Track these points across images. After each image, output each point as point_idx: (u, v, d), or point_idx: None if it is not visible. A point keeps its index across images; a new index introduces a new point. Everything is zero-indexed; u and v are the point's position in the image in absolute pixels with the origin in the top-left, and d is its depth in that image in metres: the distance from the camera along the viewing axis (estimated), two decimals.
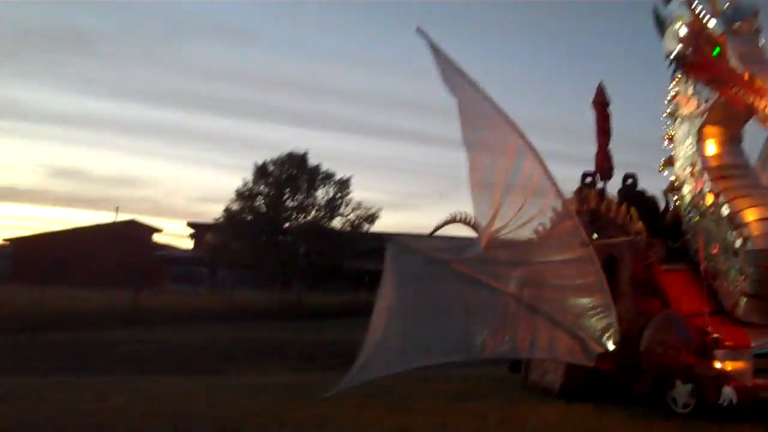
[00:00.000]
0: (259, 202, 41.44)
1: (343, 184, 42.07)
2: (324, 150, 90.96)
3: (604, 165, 10.33)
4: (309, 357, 15.73)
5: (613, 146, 10.39)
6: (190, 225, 51.95)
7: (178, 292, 33.94)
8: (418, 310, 9.00)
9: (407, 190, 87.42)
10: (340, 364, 12.58)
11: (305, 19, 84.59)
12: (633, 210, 9.10)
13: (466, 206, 10.77)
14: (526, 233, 9.12)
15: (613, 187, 10.47)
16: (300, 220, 41.29)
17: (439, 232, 13.66)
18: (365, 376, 8.82)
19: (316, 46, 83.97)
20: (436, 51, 9.00)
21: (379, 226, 41.99)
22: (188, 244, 54.29)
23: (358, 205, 42.19)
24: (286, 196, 41.21)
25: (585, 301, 8.46)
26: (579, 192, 10.34)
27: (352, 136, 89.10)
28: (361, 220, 41.94)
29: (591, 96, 10.52)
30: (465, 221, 12.70)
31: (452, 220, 13.25)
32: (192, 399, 9.01)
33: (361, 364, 8.89)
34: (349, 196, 42.22)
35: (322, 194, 41.93)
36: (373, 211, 42.42)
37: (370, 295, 9.83)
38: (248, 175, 41.68)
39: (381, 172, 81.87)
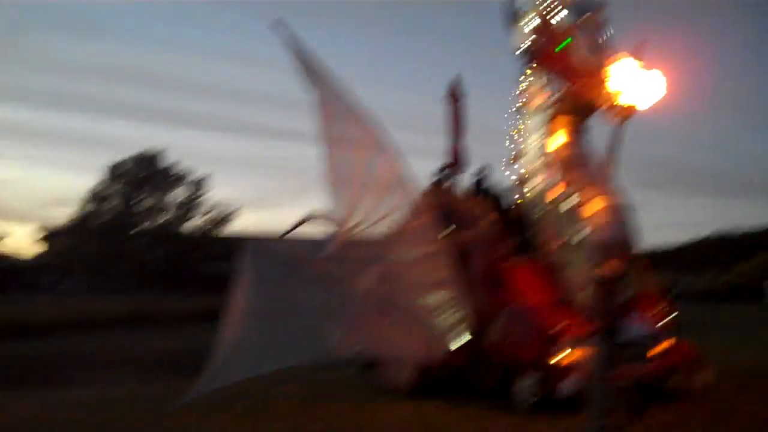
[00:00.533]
0: (111, 204, 39.77)
1: (199, 184, 41.02)
2: (182, 147, 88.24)
3: (457, 158, 10.40)
4: (162, 365, 14.94)
5: (468, 139, 10.48)
6: (41, 229, 49.13)
7: (22, 302, 31.78)
8: (274, 312, 8.69)
9: (266, 188, 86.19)
10: (195, 371, 12.08)
11: (161, 12, 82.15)
12: (485, 203, 9.20)
13: (323, 203, 10.55)
14: (382, 229, 9.01)
15: (467, 180, 10.59)
16: (154, 222, 39.90)
17: (296, 231, 13.40)
18: (220, 381, 8.41)
19: (173, 40, 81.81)
20: (291, 44, 8.75)
21: (237, 226, 41.20)
22: (38, 250, 51.38)
23: (215, 206, 41.27)
24: (139, 198, 39.75)
25: (438, 296, 8.42)
26: (434, 186, 10.36)
27: (210, 133, 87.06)
28: (217, 221, 41.04)
29: (446, 89, 10.59)
30: (322, 218, 12.49)
31: (309, 218, 13.00)
32: (19, 415, 8.36)
33: (213, 370, 8.48)
34: (206, 196, 41.24)
35: (176, 195, 40.73)
36: (230, 210, 41.65)
37: (225, 299, 9.45)
38: (101, 176, 39.98)
39: (241, 169, 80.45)
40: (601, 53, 7.44)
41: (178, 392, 9.01)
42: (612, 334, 7.56)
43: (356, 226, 8.80)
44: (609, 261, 7.71)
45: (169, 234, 38.72)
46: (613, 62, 7.34)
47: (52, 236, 45.19)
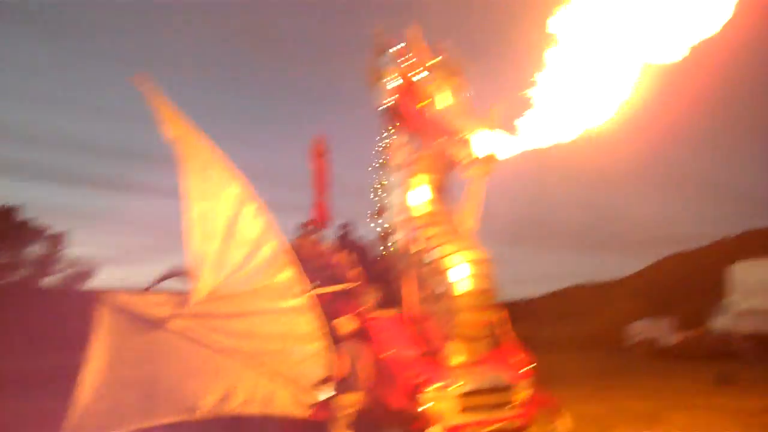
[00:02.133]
0: None
1: (57, 239, 39.02)
2: (39, 203, 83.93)
3: (321, 214, 10.50)
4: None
5: (332, 195, 10.62)
6: None
7: None
8: (133, 370, 8.34)
9: (128, 243, 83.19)
10: None
11: (14, 63, 78.48)
12: (350, 257, 9.29)
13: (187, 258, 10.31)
14: (246, 283, 8.90)
15: (330, 235, 10.68)
16: (9, 278, 37.50)
17: (159, 286, 13.01)
18: None
19: (29, 91, 78.05)
20: (153, 95, 8.62)
21: (96, 283, 39.32)
22: None
23: (75, 262, 39.33)
24: None
25: (304, 350, 8.38)
26: (299, 241, 10.38)
27: (68, 188, 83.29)
28: (75, 277, 39.08)
29: (310, 146, 10.71)
30: (184, 274, 12.19)
31: (171, 274, 12.65)
32: None
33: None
34: (64, 252, 39.22)
35: (32, 251, 38.52)
36: (90, 267, 39.78)
37: (82, 359, 9.00)
38: None
39: (100, 225, 77.08)
40: (459, 113, 7.78)
41: None
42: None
43: (219, 281, 8.66)
44: (471, 313, 8.01)
45: (26, 290, 36.45)
46: (471, 122, 7.71)
47: None
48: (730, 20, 6.51)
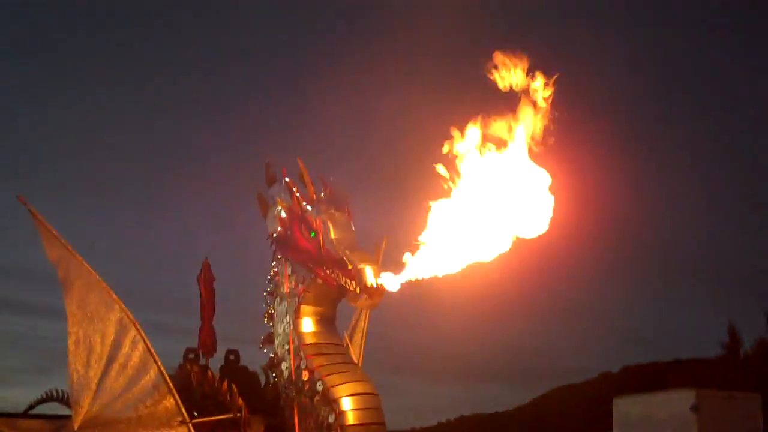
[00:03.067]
0: None
1: None
2: None
3: (207, 341, 10.36)
4: None
5: (218, 321, 10.51)
6: None
7: None
8: None
9: (2, 364, 78.29)
10: None
11: None
12: (234, 386, 9.14)
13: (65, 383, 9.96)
14: (126, 411, 8.64)
15: (216, 363, 10.50)
16: None
17: (35, 410, 12.45)
18: None
19: None
20: (36, 218, 8.58)
21: None
22: None
23: None
24: None
25: None
26: (181, 368, 10.16)
27: None
28: None
29: (197, 270, 10.65)
30: (61, 399, 11.73)
31: (48, 399, 12.16)
32: None
33: None
34: None
35: None
36: None
37: None
38: None
39: None
40: (345, 246, 7.98)
41: None
42: None
43: (99, 407, 8.43)
44: None
45: None
46: (359, 254, 7.92)
47: None
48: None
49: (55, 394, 11.92)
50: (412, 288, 8.10)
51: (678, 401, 25.57)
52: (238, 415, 8.85)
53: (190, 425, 8.36)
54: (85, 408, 8.34)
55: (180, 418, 8.32)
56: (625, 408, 27.36)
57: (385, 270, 7.81)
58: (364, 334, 10.80)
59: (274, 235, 8.99)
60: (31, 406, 12.46)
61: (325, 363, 8.44)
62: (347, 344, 9.76)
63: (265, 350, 9.39)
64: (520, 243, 7.81)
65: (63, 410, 11.03)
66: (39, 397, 12.35)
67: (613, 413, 28.02)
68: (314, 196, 8.47)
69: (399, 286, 7.89)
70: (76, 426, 8.32)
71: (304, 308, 8.71)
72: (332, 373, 8.28)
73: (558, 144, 7.74)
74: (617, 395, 28.41)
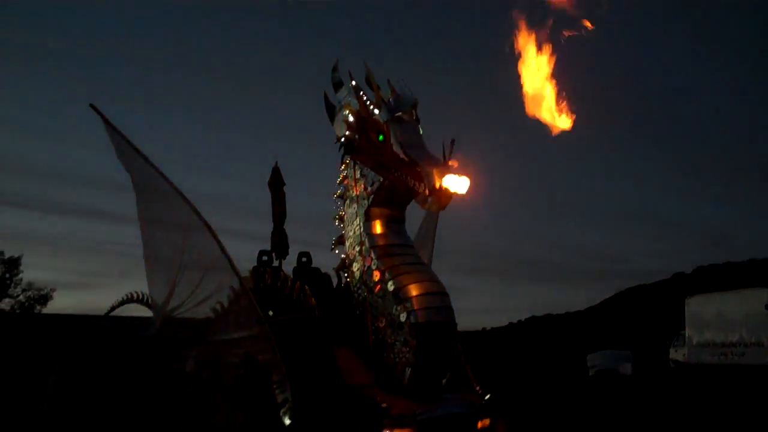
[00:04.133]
0: None
1: (12, 264, 38.35)
2: None
3: (279, 243, 10.56)
4: None
5: (289, 225, 10.68)
6: None
7: None
8: (88, 400, 8.30)
9: (85, 269, 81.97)
10: None
11: None
12: (307, 287, 9.34)
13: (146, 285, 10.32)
14: (203, 311, 8.92)
15: (289, 264, 10.73)
16: None
17: (116, 312, 12.96)
18: None
19: None
20: (109, 125, 8.68)
21: (53, 308, 38.64)
22: None
23: (29, 286, 38.65)
24: None
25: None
26: (255, 270, 10.41)
27: (23, 211, 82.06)
28: (32, 302, 38.39)
29: (267, 176, 10.78)
30: (141, 300, 12.17)
31: (128, 300, 12.61)
32: None
33: None
34: (19, 276, 38.54)
35: None
36: (45, 291, 39.10)
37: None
38: None
39: (56, 250, 75.74)
40: (412, 149, 7.93)
41: None
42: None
43: (177, 307, 8.69)
44: (430, 343, 8.10)
45: None
46: (428, 155, 7.88)
47: None
48: None
49: (135, 296, 12.39)
50: (481, 190, 8.05)
51: (752, 300, 25.25)
52: (312, 314, 9.07)
53: (266, 324, 8.59)
54: (164, 309, 8.62)
55: (256, 317, 8.54)
56: (698, 307, 27.14)
57: (454, 172, 7.74)
58: (434, 236, 10.84)
59: (342, 139, 8.98)
60: (113, 308, 12.99)
61: (395, 263, 8.55)
62: (417, 244, 9.84)
63: (336, 252, 9.54)
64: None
65: (144, 312, 11.49)
66: (121, 299, 12.84)
67: (686, 312, 27.83)
68: (382, 99, 8.37)
69: (467, 188, 7.84)
70: (156, 327, 8.62)
71: (374, 210, 8.79)
72: (403, 273, 8.40)
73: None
74: (689, 295, 28.17)
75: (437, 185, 7.56)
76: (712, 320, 26.22)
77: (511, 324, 56.92)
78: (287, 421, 8.29)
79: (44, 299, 38.87)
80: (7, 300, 38.08)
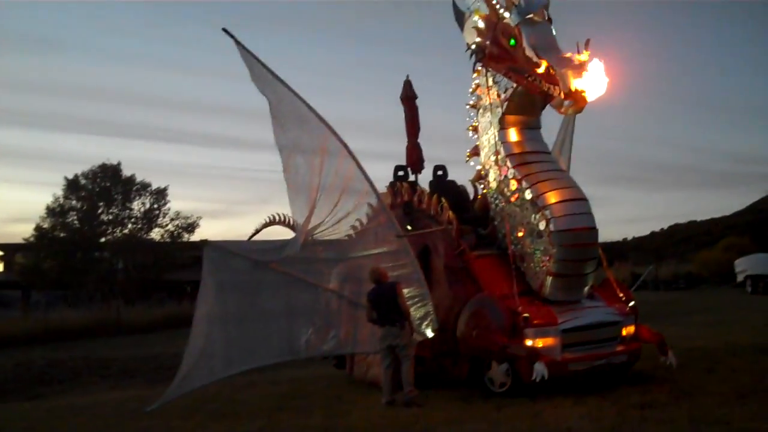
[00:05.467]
0: (72, 218, 39.10)
1: (160, 194, 40.50)
2: (139, 160, 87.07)
3: (414, 158, 10.57)
4: (131, 372, 14.95)
5: (423, 140, 10.65)
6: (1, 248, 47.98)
7: None
8: (240, 314, 8.67)
9: (228, 197, 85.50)
10: (164, 377, 12.11)
11: (112, 24, 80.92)
12: (444, 200, 9.33)
13: (286, 208, 10.64)
14: (343, 229, 9.13)
15: (425, 179, 10.74)
16: (116, 233, 39.32)
17: (260, 235, 13.49)
18: (189, 385, 8.42)
19: (124, 52, 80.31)
20: (244, 51, 8.79)
21: (200, 235, 40.70)
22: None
23: (177, 215, 40.80)
24: (100, 210, 39.16)
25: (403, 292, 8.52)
26: (392, 186, 10.51)
27: (167, 144, 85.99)
28: (180, 230, 40.56)
29: (399, 92, 10.73)
30: (283, 222, 12.61)
31: (271, 223, 13.12)
32: None
33: (183, 374, 8.46)
34: (167, 207, 40.74)
35: (138, 206, 40.22)
36: (192, 220, 41.19)
37: (192, 306, 9.46)
38: (59, 191, 39.25)
39: (199, 180, 79.31)
40: (546, 52, 7.59)
41: (149, 398, 9.12)
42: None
43: (317, 227, 8.90)
44: (572, 251, 7.93)
45: (133, 244, 38.23)
46: (559, 59, 7.53)
47: (12, 252, 44.46)
48: None
49: (278, 217, 12.85)
50: (619, 93, 7.66)
51: None
52: (449, 227, 9.07)
53: (404, 238, 8.68)
54: (305, 228, 8.85)
55: (394, 232, 8.65)
56: None
57: (590, 73, 7.38)
58: (571, 142, 10.49)
59: (473, 46, 8.72)
60: (257, 231, 13.55)
61: (533, 171, 8.36)
62: (555, 151, 9.57)
63: (471, 163, 9.43)
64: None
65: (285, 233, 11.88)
66: (264, 221, 13.36)
67: None
68: (512, 1, 8.01)
69: (605, 90, 7.48)
70: (298, 247, 8.87)
71: (509, 118, 8.57)
72: (540, 181, 8.21)
73: None
74: None
75: (572, 87, 7.24)
76: None
77: (653, 233, 55.06)
78: (429, 334, 8.43)
79: (192, 227, 40.93)
80: (156, 230, 40.44)
